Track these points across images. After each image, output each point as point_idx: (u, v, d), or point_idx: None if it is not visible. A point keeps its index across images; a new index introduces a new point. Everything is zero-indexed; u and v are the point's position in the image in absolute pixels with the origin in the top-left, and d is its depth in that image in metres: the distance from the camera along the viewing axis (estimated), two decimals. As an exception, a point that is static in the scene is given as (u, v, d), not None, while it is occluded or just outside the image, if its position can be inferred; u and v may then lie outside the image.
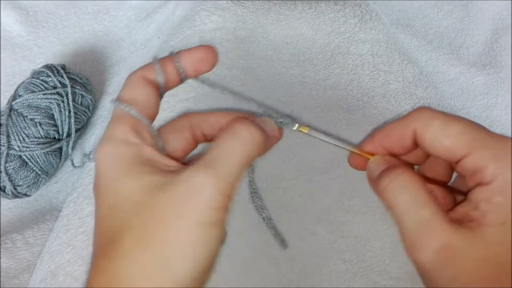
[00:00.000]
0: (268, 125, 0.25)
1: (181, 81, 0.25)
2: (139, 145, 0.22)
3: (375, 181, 0.24)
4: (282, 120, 0.27)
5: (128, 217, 0.21)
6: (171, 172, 0.22)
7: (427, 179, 0.26)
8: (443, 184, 0.26)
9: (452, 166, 0.26)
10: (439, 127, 0.22)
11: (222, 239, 0.21)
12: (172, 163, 0.23)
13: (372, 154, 0.26)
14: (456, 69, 0.50)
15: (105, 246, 0.21)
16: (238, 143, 0.22)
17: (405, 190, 0.22)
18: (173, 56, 0.25)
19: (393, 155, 0.26)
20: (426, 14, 0.53)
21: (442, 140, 0.22)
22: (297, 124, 0.27)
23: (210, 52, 0.25)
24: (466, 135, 0.22)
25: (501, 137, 0.22)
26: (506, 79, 0.50)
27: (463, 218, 0.22)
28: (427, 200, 0.22)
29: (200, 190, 0.20)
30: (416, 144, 0.24)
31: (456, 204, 0.23)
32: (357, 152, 0.26)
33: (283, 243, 0.30)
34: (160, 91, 0.25)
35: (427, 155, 0.26)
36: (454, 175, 0.27)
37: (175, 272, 0.20)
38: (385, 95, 0.39)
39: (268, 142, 0.24)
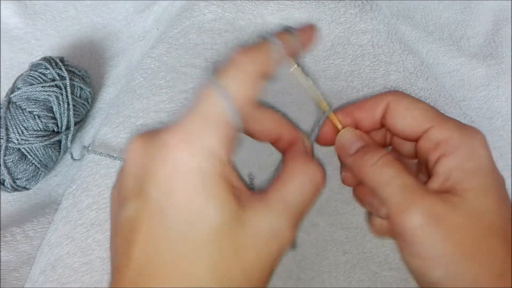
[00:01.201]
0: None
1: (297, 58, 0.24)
2: (227, 164, 0.20)
3: (350, 155, 0.25)
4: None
5: (208, 253, 0.18)
6: (246, 197, 0.20)
7: None
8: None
9: (410, 148, 0.27)
10: (409, 103, 0.24)
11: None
12: (243, 187, 0.21)
13: (342, 126, 0.27)
14: (456, 60, 0.49)
15: (165, 277, 0.18)
16: (312, 192, 0.22)
17: (391, 164, 0.23)
18: (291, 32, 0.22)
19: (359, 129, 0.27)
20: (427, 5, 0.53)
21: (411, 112, 0.24)
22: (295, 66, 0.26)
23: (314, 31, 0.24)
24: (432, 111, 0.24)
25: (457, 120, 0.24)
26: (507, 70, 0.49)
27: (439, 190, 0.22)
28: (409, 172, 0.23)
29: (278, 236, 0.20)
30: (381, 124, 0.26)
31: (426, 182, 0.24)
32: (331, 114, 0.27)
33: (293, 244, 0.30)
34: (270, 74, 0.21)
35: (388, 139, 0.28)
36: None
37: None
38: (386, 86, 0.38)
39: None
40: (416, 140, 0.24)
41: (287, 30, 0.23)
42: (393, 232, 0.23)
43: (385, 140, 0.28)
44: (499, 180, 0.22)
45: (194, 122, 0.19)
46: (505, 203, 0.22)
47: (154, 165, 0.19)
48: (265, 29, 0.39)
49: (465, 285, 0.21)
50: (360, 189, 0.28)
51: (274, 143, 0.26)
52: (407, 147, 0.27)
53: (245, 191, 0.21)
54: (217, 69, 0.20)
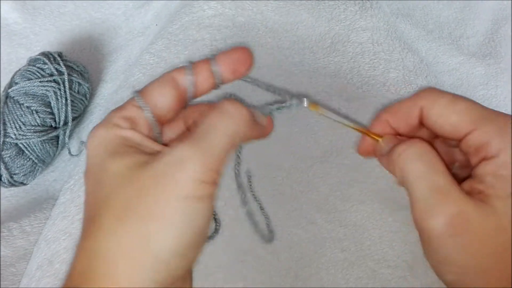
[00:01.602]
0: (256, 113, 0.25)
1: (217, 86, 0.25)
2: (129, 130, 0.22)
3: (386, 157, 0.24)
4: (291, 101, 0.26)
5: (109, 194, 0.20)
6: (157, 153, 0.21)
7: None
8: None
9: (454, 148, 0.26)
10: (446, 104, 0.23)
11: (209, 214, 0.21)
12: (160, 147, 0.22)
13: (381, 136, 0.26)
14: (456, 59, 0.49)
15: (87, 224, 0.21)
16: (223, 117, 0.22)
17: (421, 157, 0.22)
18: (210, 60, 0.24)
19: (400, 135, 0.26)
20: (427, 4, 0.53)
21: (449, 116, 0.22)
22: (305, 99, 0.26)
23: (247, 53, 0.25)
24: (472, 112, 0.22)
25: (504, 115, 0.22)
26: (506, 69, 0.49)
27: (469, 192, 0.22)
28: (442, 169, 0.22)
29: (182, 163, 0.20)
30: (421, 124, 0.24)
31: (460, 182, 0.23)
32: (366, 132, 0.26)
33: (265, 238, 0.30)
34: (187, 95, 0.24)
35: (432, 138, 0.26)
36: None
37: (156, 247, 0.19)
38: (385, 84, 0.38)
39: (255, 126, 0.24)
40: (458, 140, 0.23)
41: (208, 58, 0.24)
42: (418, 231, 0.22)
43: (428, 139, 0.27)
44: None
45: (110, 114, 0.23)
46: None
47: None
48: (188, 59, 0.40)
49: None
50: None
51: None
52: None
53: (156, 146, 0.23)
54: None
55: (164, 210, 0.19)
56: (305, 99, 0.26)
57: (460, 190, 0.21)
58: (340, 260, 0.35)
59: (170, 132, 0.25)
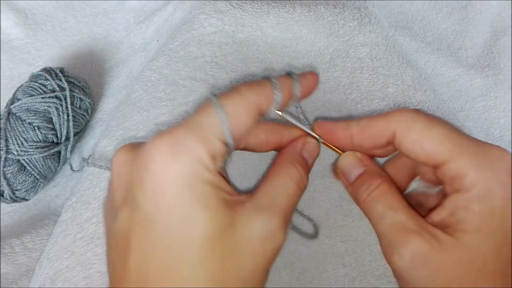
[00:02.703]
0: (312, 151, 0.26)
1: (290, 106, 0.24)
2: (220, 177, 0.20)
3: (350, 184, 0.25)
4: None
5: (197, 254, 0.18)
6: (236, 201, 0.20)
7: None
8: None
9: (414, 169, 0.27)
10: (421, 131, 0.22)
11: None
12: (233, 192, 0.21)
13: (342, 149, 0.26)
14: (455, 71, 0.50)
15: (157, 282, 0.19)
16: (297, 190, 0.23)
17: (384, 199, 0.23)
18: (292, 79, 0.24)
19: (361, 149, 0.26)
20: (425, 16, 0.53)
21: (423, 144, 0.22)
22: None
23: (317, 80, 0.25)
24: (447, 140, 0.22)
25: (482, 144, 0.22)
26: (505, 81, 0.50)
27: (439, 224, 0.22)
28: (404, 207, 0.23)
29: (272, 236, 0.20)
30: (388, 143, 0.24)
31: (430, 210, 0.23)
32: (327, 145, 0.27)
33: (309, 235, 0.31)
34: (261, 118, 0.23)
35: (392, 150, 0.26)
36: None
37: None
38: (384, 99, 0.39)
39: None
40: (433, 167, 0.23)
41: (289, 75, 0.24)
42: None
43: (389, 152, 0.27)
44: (505, 225, 0.21)
45: (182, 132, 0.19)
46: (506, 247, 0.21)
47: (141, 174, 0.19)
48: (271, 71, 0.39)
49: None
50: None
51: (278, 149, 0.27)
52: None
53: (235, 195, 0.21)
54: (220, 92, 0.21)
55: (256, 278, 0.20)
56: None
57: (421, 226, 0.22)
58: (341, 276, 0.35)
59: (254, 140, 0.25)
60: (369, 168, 0.26)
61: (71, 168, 0.44)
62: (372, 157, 0.27)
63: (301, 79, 0.24)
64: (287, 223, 0.21)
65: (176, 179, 0.18)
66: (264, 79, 0.22)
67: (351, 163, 0.26)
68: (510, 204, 0.21)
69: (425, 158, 0.22)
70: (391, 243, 0.22)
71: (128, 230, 0.19)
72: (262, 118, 0.23)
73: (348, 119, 0.26)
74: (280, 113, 0.24)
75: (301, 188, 0.23)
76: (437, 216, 0.22)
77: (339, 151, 0.27)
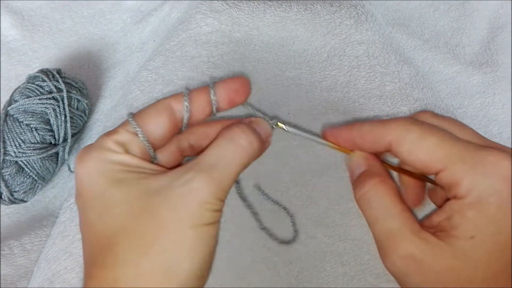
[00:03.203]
0: (263, 128, 0.26)
1: (212, 113, 0.25)
2: (125, 155, 0.22)
3: (352, 182, 0.26)
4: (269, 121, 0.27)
5: (123, 223, 0.21)
6: (162, 174, 0.22)
7: (406, 172, 0.27)
8: (421, 178, 0.27)
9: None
10: (415, 141, 0.23)
11: (217, 236, 0.22)
12: (159, 168, 0.23)
13: (351, 151, 0.27)
14: (452, 68, 0.50)
15: (99, 254, 0.21)
16: (237, 150, 0.23)
17: (379, 201, 0.23)
18: (208, 88, 0.25)
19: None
20: (422, 14, 0.53)
21: (417, 154, 0.22)
22: (274, 121, 0.27)
23: (245, 84, 0.26)
24: (441, 149, 0.22)
25: (478, 150, 0.22)
26: (503, 78, 0.50)
27: (436, 227, 0.22)
28: (398, 212, 0.23)
29: (196, 193, 0.21)
30: (387, 150, 0.25)
31: (433, 212, 0.24)
32: (338, 148, 0.27)
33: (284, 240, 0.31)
34: (182, 123, 0.25)
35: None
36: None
37: (177, 273, 0.20)
38: (382, 97, 0.39)
39: (263, 147, 0.25)
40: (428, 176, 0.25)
41: (208, 85, 0.25)
42: None
43: None
44: (503, 227, 0.21)
45: (98, 138, 0.24)
46: (503, 252, 0.21)
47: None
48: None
49: None
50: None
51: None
52: None
53: (155, 167, 0.23)
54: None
55: (181, 238, 0.20)
56: (275, 121, 0.27)
57: (414, 232, 0.22)
58: (340, 275, 0.35)
59: (161, 157, 0.25)
60: (370, 168, 0.26)
61: (69, 169, 0.44)
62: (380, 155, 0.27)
63: (219, 86, 0.25)
64: (217, 182, 0.21)
65: (88, 170, 0.22)
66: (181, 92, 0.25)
67: (356, 161, 0.26)
68: (505, 211, 0.21)
69: (420, 167, 0.23)
70: (385, 247, 0.22)
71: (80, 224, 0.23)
72: (183, 126, 0.25)
73: (354, 121, 0.27)
74: (284, 127, 0.26)
75: (244, 149, 0.23)
76: (436, 218, 0.23)
77: (348, 151, 0.27)
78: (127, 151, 0.23)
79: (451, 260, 0.21)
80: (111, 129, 0.37)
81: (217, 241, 0.22)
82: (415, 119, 0.24)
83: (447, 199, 0.23)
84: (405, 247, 0.22)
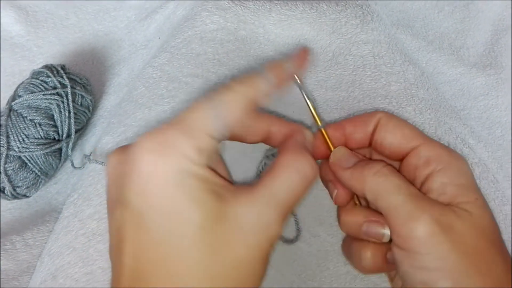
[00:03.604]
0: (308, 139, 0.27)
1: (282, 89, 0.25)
2: (211, 171, 0.20)
3: (347, 168, 0.26)
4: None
5: (186, 247, 0.19)
6: (229, 193, 0.20)
7: None
8: None
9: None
10: (399, 121, 0.26)
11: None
12: (227, 184, 0.21)
13: (334, 146, 0.28)
14: (456, 70, 0.50)
15: (158, 277, 0.19)
16: (303, 181, 0.22)
17: (393, 174, 0.24)
18: (283, 60, 0.25)
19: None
20: (427, 15, 0.53)
21: (402, 128, 0.25)
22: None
23: (307, 53, 0.26)
24: (419, 131, 0.26)
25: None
26: (507, 80, 0.50)
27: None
28: (409, 185, 0.24)
29: (266, 228, 0.20)
30: (369, 142, 0.27)
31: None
32: (325, 136, 0.28)
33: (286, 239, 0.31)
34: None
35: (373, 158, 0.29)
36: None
37: None
38: (387, 97, 0.39)
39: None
40: (401, 158, 0.25)
41: (280, 59, 0.25)
42: (397, 245, 0.23)
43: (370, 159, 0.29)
44: (484, 198, 0.23)
45: (169, 129, 0.20)
46: (494, 219, 0.23)
47: (129, 173, 0.19)
48: (258, 62, 0.40)
49: None
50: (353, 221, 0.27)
51: (267, 141, 0.27)
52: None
53: (230, 187, 0.21)
54: (213, 91, 0.21)
55: (252, 270, 0.20)
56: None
57: (434, 199, 0.23)
58: (342, 274, 0.35)
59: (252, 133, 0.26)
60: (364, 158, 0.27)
61: (72, 165, 0.44)
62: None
63: (293, 58, 0.25)
64: (284, 215, 0.21)
65: (162, 175, 0.19)
66: (254, 72, 0.23)
67: (347, 152, 0.27)
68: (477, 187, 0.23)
69: (400, 143, 0.25)
70: (410, 213, 0.22)
71: (121, 228, 0.19)
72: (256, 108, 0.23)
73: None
74: (297, 79, 0.26)
75: (307, 180, 0.23)
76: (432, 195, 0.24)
77: (331, 146, 0.28)
78: (208, 165, 0.20)
79: (472, 224, 0.22)
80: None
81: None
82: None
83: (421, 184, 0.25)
84: (434, 211, 0.22)
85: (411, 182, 0.24)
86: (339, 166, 0.26)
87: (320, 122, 0.28)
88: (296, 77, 0.26)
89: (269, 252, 0.21)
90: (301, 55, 0.25)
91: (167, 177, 0.19)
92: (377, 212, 0.25)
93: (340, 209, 0.28)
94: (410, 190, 0.23)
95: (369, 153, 0.29)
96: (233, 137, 0.26)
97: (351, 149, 0.28)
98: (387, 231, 0.24)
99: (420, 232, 0.21)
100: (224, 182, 0.21)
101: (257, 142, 0.27)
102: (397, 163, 0.27)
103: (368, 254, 0.25)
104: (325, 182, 0.29)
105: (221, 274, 0.19)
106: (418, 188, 0.24)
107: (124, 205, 0.20)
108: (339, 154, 0.27)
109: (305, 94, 0.27)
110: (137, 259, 0.19)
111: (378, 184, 0.23)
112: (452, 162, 0.23)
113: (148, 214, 0.19)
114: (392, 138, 0.25)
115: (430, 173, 0.23)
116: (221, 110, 0.21)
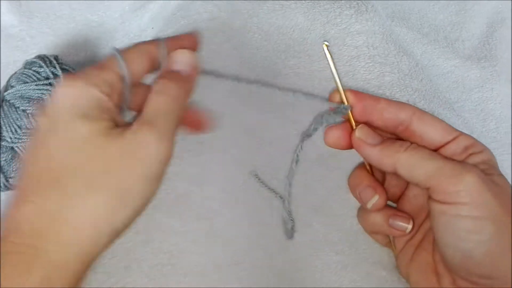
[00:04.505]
0: (184, 61, 0.27)
1: (157, 69, 0.27)
2: (107, 96, 0.23)
3: (375, 145, 0.28)
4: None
5: (78, 160, 0.22)
6: (125, 125, 0.23)
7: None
8: None
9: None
10: (433, 116, 0.28)
11: (156, 193, 0.24)
12: (125, 123, 0.24)
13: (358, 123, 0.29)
14: (451, 62, 0.50)
15: (49, 183, 0.22)
16: (168, 101, 0.24)
17: (424, 148, 0.27)
18: (160, 42, 0.27)
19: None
20: (422, 7, 0.53)
21: (440, 122, 0.28)
22: (326, 43, 0.30)
23: (194, 40, 0.29)
24: (451, 126, 0.28)
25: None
26: (502, 72, 0.50)
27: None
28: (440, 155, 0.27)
29: (146, 145, 0.22)
30: (400, 125, 0.28)
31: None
32: (350, 114, 0.29)
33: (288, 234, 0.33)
34: (157, 67, 0.27)
35: None
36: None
37: (118, 220, 0.22)
38: (380, 87, 0.39)
39: (191, 81, 0.27)
40: (439, 146, 0.27)
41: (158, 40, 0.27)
42: (440, 201, 0.25)
43: None
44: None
45: (85, 70, 0.24)
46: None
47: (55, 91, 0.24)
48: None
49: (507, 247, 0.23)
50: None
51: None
52: None
53: (122, 121, 0.24)
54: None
55: (129, 190, 0.22)
56: (326, 42, 0.30)
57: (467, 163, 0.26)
58: (334, 263, 0.35)
59: (138, 64, 0.27)
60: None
61: None
62: None
63: (170, 43, 0.27)
64: (163, 134, 0.23)
65: (68, 100, 0.23)
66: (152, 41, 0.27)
67: (370, 131, 0.29)
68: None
69: (442, 132, 0.27)
70: (456, 169, 0.25)
71: (29, 146, 0.25)
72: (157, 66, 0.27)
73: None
74: (326, 50, 0.29)
75: (178, 98, 0.25)
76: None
77: (353, 124, 0.29)
78: (109, 93, 0.24)
79: (499, 185, 0.25)
80: None
81: (155, 194, 0.23)
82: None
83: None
84: (474, 168, 0.25)
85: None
86: (366, 143, 0.28)
87: (347, 102, 0.29)
88: (327, 51, 0.29)
89: (155, 170, 0.22)
90: (188, 36, 0.29)
91: (73, 98, 0.23)
92: (392, 208, 0.30)
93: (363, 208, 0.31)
94: (446, 155, 0.26)
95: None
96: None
97: (379, 125, 0.29)
98: (409, 225, 0.30)
99: (467, 184, 0.24)
100: (116, 111, 0.24)
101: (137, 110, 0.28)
102: None
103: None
104: (358, 187, 0.31)
105: (103, 185, 0.21)
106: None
107: (37, 127, 0.24)
108: (364, 131, 0.28)
109: (334, 70, 0.28)
110: (36, 170, 0.22)
111: (412, 155, 0.26)
112: (485, 150, 0.27)
113: (50, 131, 0.23)
114: (433, 132, 0.27)
115: (468, 156, 0.26)
116: (127, 58, 0.25)
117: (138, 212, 0.22)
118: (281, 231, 0.35)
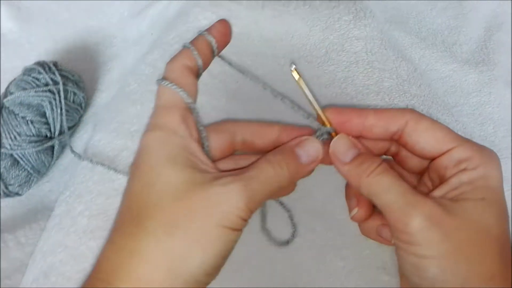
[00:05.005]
0: (307, 151, 0.27)
1: (213, 56, 0.27)
2: (188, 139, 0.24)
3: (345, 164, 0.26)
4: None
5: (162, 202, 0.22)
6: (210, 174, 0.23)
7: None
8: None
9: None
10: (429, 124, 0.26)
11: (234, 245, 0.24)
12: (212, 165, 0.25)
13: (336, 133, 0.28)
14: (449, 66, 0.50)
15: (129, 223, 0.22)
16: (275, 175, 0.24)
17: (390, 173, 0.25)
18: (203, 34, 0.27)
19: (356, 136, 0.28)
20: (420, 12, 0.53)
21: (434, 132, 0.26)
22: (294, 66, 0.28)
23: (227, 25, 0.29)
24: (452, 133, 0.26)
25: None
26: (499, 76, 0.50)
27: (442, 197, 0.25)
28: (407, 186, 0.25)
29: (232, 198, 0.22)
30: (392, 137, 0.27)
31: (430, 190, 0.26)
32: (324, 118, 0.27)
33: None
34: (198, 74, 0.26)
35: (384, 150, 0.29)
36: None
37: (193, 266, 0.22)
38: (379, 93, 0.39)
39: (301, 172, 0.26)
40: (432, 159, 0.26)
41: (200, 34, 0.27)
42: (395, 237, 0.25)
43: (385, 150, 0.30)
44: (502, 201, 0.25)
45: (156, 113, 0.24)
46: (504, 219, 0.24)
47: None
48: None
49: (457, 283, 0.23)
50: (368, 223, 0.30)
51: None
52: (414, 161, 0.29)
53: (207, 162, 0.24)
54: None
55: (207, 235, 0.22)
56: (293, 65, 0.28)
57: (428, 198, 0.24)
58: (338, 268, 0.35)
59: (215, 142, 0.27)
60: (365, 150, 0.27)
61: (72, 150, 0.42)
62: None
63: (211, 31, 0.27)
64: (250, 205, 0.23)
65: (151, 146, 0.23)
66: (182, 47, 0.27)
67: (346, 143, 0.27)
68: (502, 186, 0.25)
69: (434, 144, 0.26)
70: (406, 207, 0.24)
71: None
72: (199, 73, 0.27)
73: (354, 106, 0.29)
74: (296, 75, 0.27)
75: (279, 185, 0.24)
76: (439, 192, 0.25)
77: (333, 133, 0.28)
78: (190, 135, 0.24)
79: (467, 218, 0.23)
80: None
81: (233, 247, 0.23)
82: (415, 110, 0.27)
83: (432, 190, 0.26)
84: (425, 207, 0.23)
85: (439, 180, 0.26)
86: (338, 159, 0.27)
87: (328, 124, 0.27)
88: (295, 73, 0.27)
89: (230, 222, 0.22)
90: (218, 26, 0.28)
91: (162, 142, 0.23)
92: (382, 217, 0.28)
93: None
94: (403, 188, 0.24)
95: (389, 144, 0.29)
96: (245, 145, 0.28)
97: (369, 139, 0.28)
98: None
99: (412, 227, 0.23)
100: (204, 157, 0.24)
101: (268, 150, 0.28)
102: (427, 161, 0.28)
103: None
104: (348, 195, 0.30)
105: (182, 228, 0.22)
106: (437, 183, 0.26)
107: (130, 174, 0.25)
108: (338, 145, 0.27)
109: (308, 93, 0.28)
110: (129, 203, 0.23)
111: (372, 184, 0.25)
112: (481, 165, 0.24)
113: (138, 174, 0.23)
114: (424, 143, 0.26)
115: (456, 173, 0.25)
116: (175, 82, 0.25)
117: (216, 259, 0.22)
118: (282, 236, 0.35)
